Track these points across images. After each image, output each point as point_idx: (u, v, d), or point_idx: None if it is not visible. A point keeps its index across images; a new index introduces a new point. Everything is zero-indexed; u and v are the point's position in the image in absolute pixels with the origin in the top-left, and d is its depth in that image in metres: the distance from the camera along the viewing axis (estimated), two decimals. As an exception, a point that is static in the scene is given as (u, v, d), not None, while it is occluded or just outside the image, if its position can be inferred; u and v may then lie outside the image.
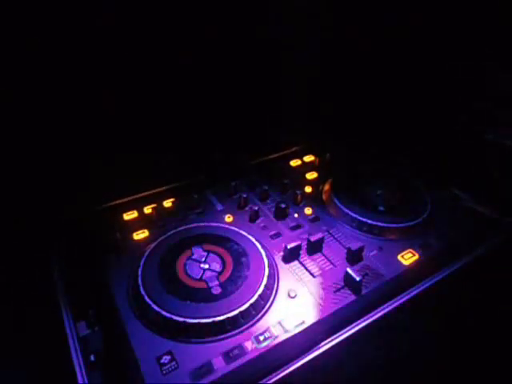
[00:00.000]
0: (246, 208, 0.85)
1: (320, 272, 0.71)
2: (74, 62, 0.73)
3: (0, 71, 0.67)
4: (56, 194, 0.79)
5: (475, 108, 0.95)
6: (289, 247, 0.72)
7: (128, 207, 0.83)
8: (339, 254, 0.75)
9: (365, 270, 0.71)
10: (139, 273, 0.66)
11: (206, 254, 0.72)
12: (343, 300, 0.66)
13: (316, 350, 0.59)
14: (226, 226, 0.78)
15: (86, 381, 0.55)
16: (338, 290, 0.68)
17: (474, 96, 0.95)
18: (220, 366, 0.55)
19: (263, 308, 0.64)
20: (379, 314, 0.65)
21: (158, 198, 0.86)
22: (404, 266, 0.73)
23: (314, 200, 0.89)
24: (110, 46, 0.75)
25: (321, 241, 0.75)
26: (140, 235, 0.77)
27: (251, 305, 0.62)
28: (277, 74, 0.99)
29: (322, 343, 0.60)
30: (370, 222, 0.80)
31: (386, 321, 0.65)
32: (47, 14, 0.67)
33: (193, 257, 0.71)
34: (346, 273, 0.68)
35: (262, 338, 0.59)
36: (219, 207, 0.86)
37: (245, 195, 0.86)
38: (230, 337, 0.59)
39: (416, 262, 0.74)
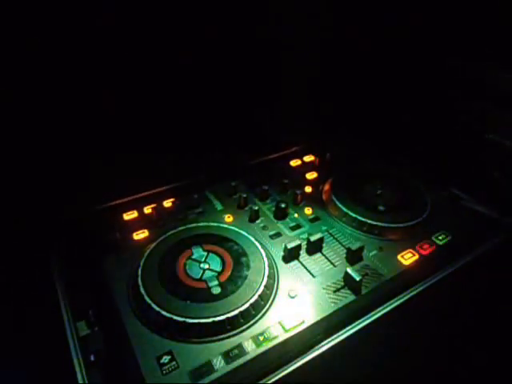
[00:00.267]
0: (246, 208, 0.85)
1: (320, 272, 0.71)
2: (74, 62, 0.73)
3: (0, 71, 0.67)
4: (56, 193, 0.79)
5: (475, 108, 0.95)
6: (289, 247, 0.72)
7: (128, 207, 0.83)
8: (339, 253, 0.75)
9: (365, 270, 0.71)
10: (139, 273, 0.66)
11: (205, 253, 0.72)
12: (343, 300, 0.66)
13: (316, 350, 0.59)
14: (226, 226, 0.78)
15: (86, 381, 0.55)
16: (338, 289, 0.68)
17: (473, 96, 0.95)
18: (220, 366, 0.55)
19: (263, 308, 0.64)
20: (379, 314, 0.65)
21: (157, 198, 0.86)
22: (404, 265, 0.73)
23: (314, 200, 0.89)
24: (110, 46, 0.75)
25: (321, 241, 0.75)
26: (140, 235, 0.77)
27: (251, 305, 0.62)
28: (277, 74, 0.99)
29: (322, 343, 0.60)
30: (369, 222, 0.80)
31: (386, 321, 0.65)
32: (47, 14, 0.67)
33: (193, 257, 0.71)
34: (346, 273, 0.68)
35: (261, 337, 0.59)
36: (219, 207, 0.86)
37: (245, 195, 0.86)
38: (229, 337, 0.59)
39: (416, 261, 0.74)
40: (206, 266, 0.69)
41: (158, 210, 0.82)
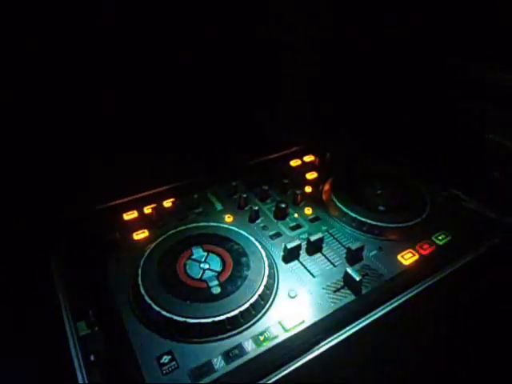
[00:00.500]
0: (246, 208, 0.85)
1: (320, 272, 0.71)
2: (74, 61, 0.73)
3: (0, 71, 0.67)
4: (56, 193, 0.79)
5: (475, 108, 0.95)
6: (289, 247, 0.72)
7: (128, 207, 0.83)
8: (339, 253, 0.75)
9: (365, 270, 0.71)
10: (139, 273, 0.66)
11: (205, 253, 0.72)
12: (343, 300, 0.66)
13: (316, 350, 0.59)
14: (226, 226, 0.78)
15: (86, 381, 0.55)
16: (338, 289, 0.68)
17: (474, 96, 0.95)
18: (220, 366, 0.55)
19: (263, 308, 0.64)
20: (379, 314, 0.65)
21: (158, 198, 0.86)
22: (404, 265, 0.73)
23: (314, 200, 0.89)
24: (110, 45, 0.75)
25: (321, 241, 0.75)
26: (140, 235, 0.77)
27: (251, 305, 0.62)
28: (277, 74, 0.99)
29: (322, 343, 0.60)
30: (369, 221, 0.80)
31: (386, 321, 0.65)
32: (47, 14, 0.67)
33: (193, 257, 0.71)
34: (346, 273, 0.68)
35: (261, 337, 0.59)
36: (219, 207, 0.86)
37: (245, 195, 0.86)
38: (230, 337, 0.59)
39: (416, 261, 0.74)
40: (206, 266, 0.69)
41: (157, 210, 0.82)
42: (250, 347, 0.58)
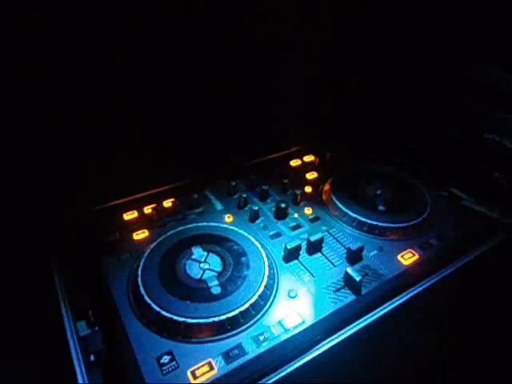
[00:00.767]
0: (246, 208, 0.85)
1: (320, 272, 0.71)
2: (74, 61, 0.73)
3: (0, 71, 0.67)
4: (56, 194, 0.79)
5: (475, 108, 0.95)
6: (289, 247, 0.72)
7: (128, 207, 0.83)
8: (339, 253, 0.75)
9: (365, 270, 0.71)
10: (139, 273, 0.66)
11: (205, 253, 0.72)
12: (343, 300, 0.66)
13: (316, 350, 0.59)
14: (226, 226, 0.78)
15: (86, 381, 0.55)
16: (338, 289, 0.68)
17: (473, 96, 0.95)
18: (220, 366, 0.55)
19: (263, 308, 0.64)
20: (379, 314, 0.65)
21: (157, 198, 0.86)
22: (404, 265, 0.73)
23: (314, 200, 0.89)
24: (110, 45, 0.75)
25: (321, 241, 0.75)
26: (140, 235, 0.77)
27: (251, 305, 0.62)
28: (277, 74, 0.99)
29: (322, 343, 0.60)
30: (369, 222, 0.80)
31: (386, 321, 0.65)
32: (47, 14, 0.67)
33: (193, 257, 0.71)
34: (346, 273, 0.68)
35: (261, 337, 0.59)
36: (219, 207, 0.86)
37: (244, 195, 0.86)
38: (229, 337, 0.59)
39: (416, 261, 0.74)
40: (206, 266, 0.69)
41: (157, 210, 0.82)
42: (249, 347, 0.58)
